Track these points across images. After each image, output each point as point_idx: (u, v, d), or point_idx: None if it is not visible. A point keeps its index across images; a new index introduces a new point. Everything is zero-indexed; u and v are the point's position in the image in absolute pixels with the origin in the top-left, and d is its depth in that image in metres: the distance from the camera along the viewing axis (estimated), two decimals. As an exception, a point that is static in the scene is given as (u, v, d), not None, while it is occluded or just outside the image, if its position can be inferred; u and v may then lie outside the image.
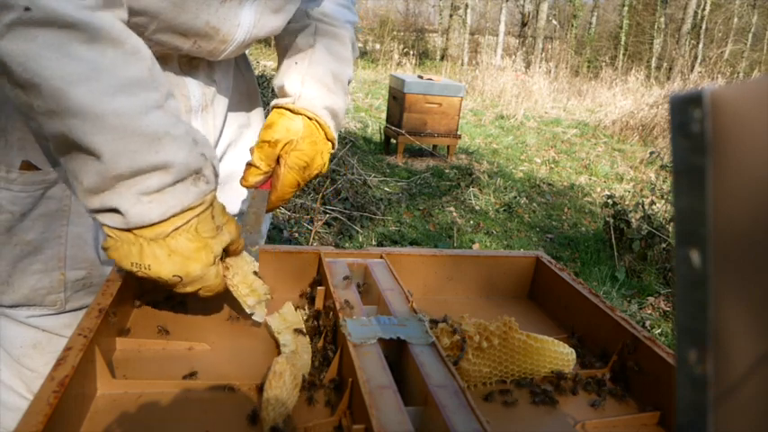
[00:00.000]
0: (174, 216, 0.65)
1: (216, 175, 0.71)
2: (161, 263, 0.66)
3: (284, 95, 0.92)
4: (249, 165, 0.88)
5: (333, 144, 0.94)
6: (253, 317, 0.79)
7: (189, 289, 0.71)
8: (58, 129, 0.60)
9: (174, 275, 0.67)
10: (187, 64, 0.88)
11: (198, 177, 0.67)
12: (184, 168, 0.65)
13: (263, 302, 0.79)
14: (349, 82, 0.99)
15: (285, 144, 0.87)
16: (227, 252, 0.76)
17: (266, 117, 0.96)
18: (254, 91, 1.11)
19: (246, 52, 1.09)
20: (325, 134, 0.92)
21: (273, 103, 0.93)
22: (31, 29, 0.57)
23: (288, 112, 0.90)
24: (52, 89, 0.58)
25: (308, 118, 0.90)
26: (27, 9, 0.56)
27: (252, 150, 0.89)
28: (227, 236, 0.72)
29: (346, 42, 1.00)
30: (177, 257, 0.66)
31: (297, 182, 0.89)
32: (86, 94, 0.59)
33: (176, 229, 0.66)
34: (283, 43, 0.99)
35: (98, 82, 0.59)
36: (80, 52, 0.59)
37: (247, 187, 0.89)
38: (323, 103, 0.92)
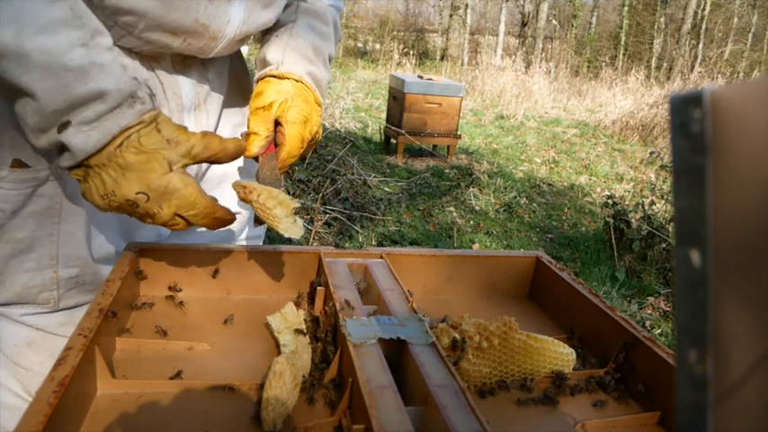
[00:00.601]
0: (114, 137, 0.68)
1: (151, 95, 0.73)
2: (120, 184, 0.68)
3: (265, 64, 0.93)
4: (248, 134, 0.87)
5: (321, 108, 0.94)
6: (286, 233, 0.78)
7: (166, 209, 0.71)
8: None
9: (137, 193, 0.68)
10: (180, 63, 0.88)
11: (134, 101, 0.69)
12: (117, 94, 0.68)
13: (295, 218, 0.79)
14: (330, 60, 1.00)
15: (280, 104, 0.87)
16: (196, 160, 0.74)
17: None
18: (251, 91, 1.11)
19: (245, 51, 1.08)
20: (313, 96, 0.92)
21: (257, 76, 0.92)
22: None
23: (273, 79, 0.90)
24: None
25: (295, 80, 0.90)
26: None
27: (244, 133, 0.88)
28: (185, 145, 0.72)
29: (328, 21, 1.00)
30: (131, 173, 0.68)
31: (302, 136, 0.89)
32: (12, 35, 0.61)
33: (118, 147, 0.68)
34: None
35: (22, 23, 0.62)
36: None
37: (251, 157, 0.88)
38: (305, 70, 0.92)
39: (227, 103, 1.02)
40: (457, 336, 0.73)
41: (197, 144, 0.73)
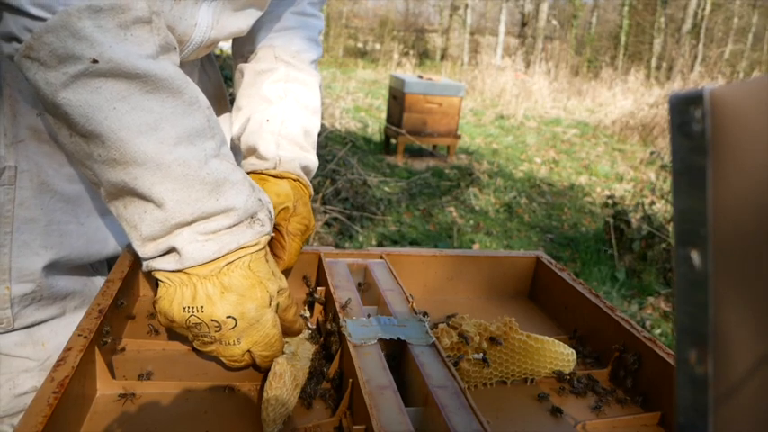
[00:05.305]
0: (228, 253, 0.64)
1: (271, 219, 0.70)
2: (214, 302, 0.63)
3: (258, 157, 0.90)
4: None
5: (311, 195, 0.93)
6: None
7: (243, 343, 0.65)
8: (119, 178, 0.60)
9: (227, 316, 0.63)
10: None
11: (253, 221, 0.67)
12: (243, 212, 0.65)
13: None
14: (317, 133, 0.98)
15: (280, 211, 0.84)
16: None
17: None
18: (222, 95, 1.08)
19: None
20: (308, 193, 0.91)
21: (250, 168, 0.90)
22: (96, 79, 0.57)
23: (271, 178, 0.88)
24: (117, 139, 0.58)
25: (293, 179, 0.88)
26: (95, 61, 0.56)
27: None
28: (282, 282, 0.70)
29: (315, 90, 0.98)
30: (231, 295, 0.63)
31: (301, 246, 0.87)
32: (151, 143, 0.59)
33: (229, 263, 0.64)
34: (248, 81, 0.96)
35: (161, 132, 0.59)
36: (143, 103, 0.59)
37: None
38: (300, 163, 0.90)
39: None
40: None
41: (287, 286, 0.70)
